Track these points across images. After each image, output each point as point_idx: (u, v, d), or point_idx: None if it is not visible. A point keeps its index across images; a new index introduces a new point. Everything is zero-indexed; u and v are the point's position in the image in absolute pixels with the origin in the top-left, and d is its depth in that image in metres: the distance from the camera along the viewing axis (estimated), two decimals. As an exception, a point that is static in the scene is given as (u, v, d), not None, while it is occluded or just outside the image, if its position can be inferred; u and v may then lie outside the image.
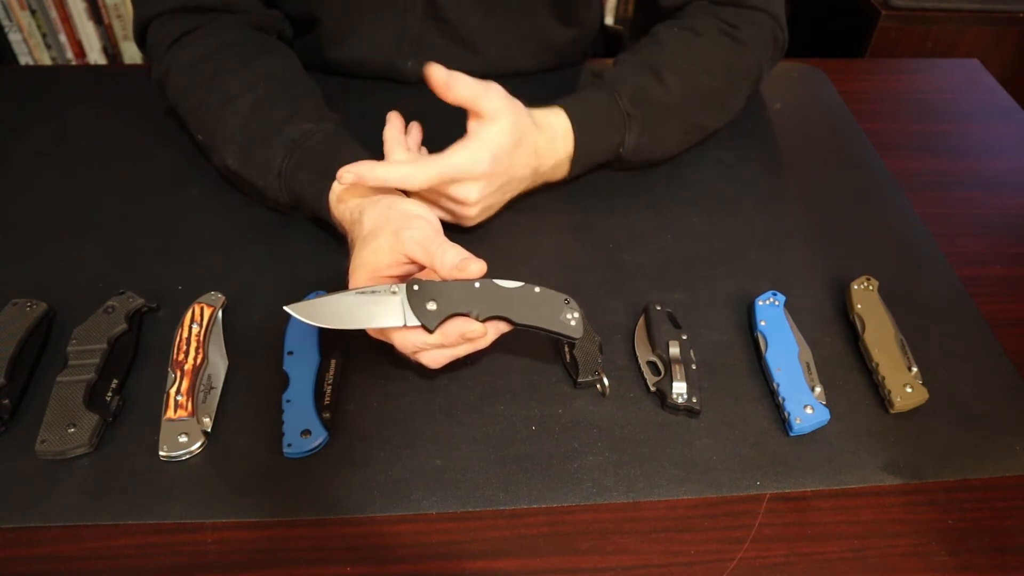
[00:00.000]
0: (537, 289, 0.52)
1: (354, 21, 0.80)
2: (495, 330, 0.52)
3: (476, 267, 0.51)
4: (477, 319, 0.50)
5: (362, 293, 0.50)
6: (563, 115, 0.69)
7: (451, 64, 0.83)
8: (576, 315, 0.52)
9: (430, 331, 0.50)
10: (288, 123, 0.64)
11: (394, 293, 0.50)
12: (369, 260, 0.54)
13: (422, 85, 0.83)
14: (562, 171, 0.71)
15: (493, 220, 0.69)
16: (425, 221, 0.55)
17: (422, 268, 0.54)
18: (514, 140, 0.62)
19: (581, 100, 0.70)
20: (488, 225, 0.69)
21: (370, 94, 0.83)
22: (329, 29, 0.80)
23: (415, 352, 0.52)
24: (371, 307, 0.50)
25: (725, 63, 0.74)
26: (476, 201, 0.63)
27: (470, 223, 0.66)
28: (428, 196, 0.64)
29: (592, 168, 0.73)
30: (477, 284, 0.51)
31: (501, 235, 0.69)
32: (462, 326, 0.50)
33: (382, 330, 0.53)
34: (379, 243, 0.54)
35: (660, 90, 0.71)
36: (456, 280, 0.51)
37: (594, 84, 0.73)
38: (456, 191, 0.62)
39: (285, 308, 0.50)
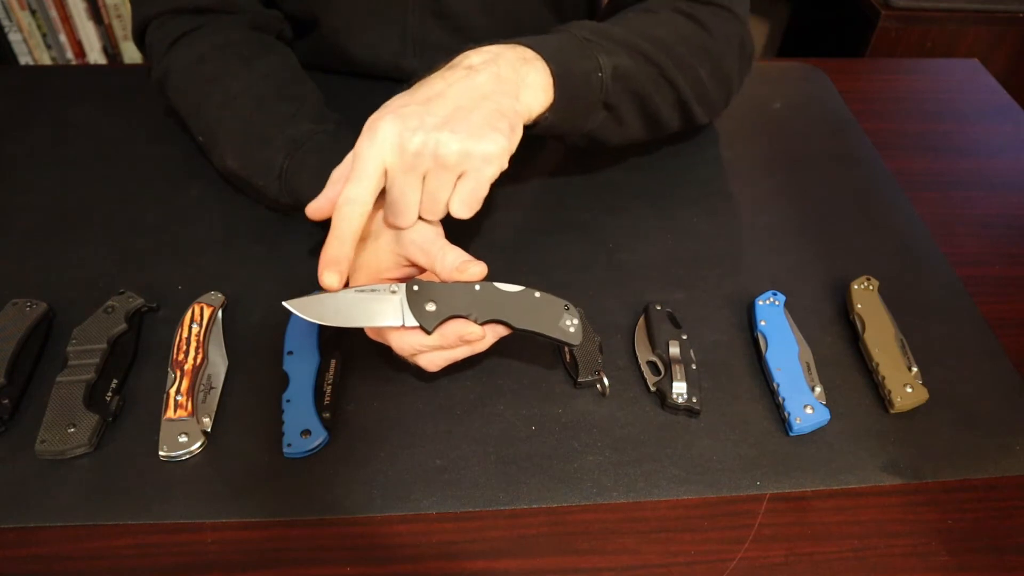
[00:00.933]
0: (537, 294, 0.52)
1: (357, 21, 0.80)
2: (493, 334, 0.52)
3: (476, 269, 0.50)
4: (476, 322, 0.50)
5: (361, 291, 0.50)
6: (509, 43, 0.58)
7: None
8: (575, 321, 0.51)
9: (428, 332, 0.50)
10: (289, 123, 0.64)
11: (393, 292, 0.50)
12: (369, 262, 0.54)
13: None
14: (547, 95, 0.57)
15: (493, 220, 0.69)
16: (424, 223, 0.54)
17: (423, 271, 0.54)
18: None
19: (533, 37, 0.60)
20: (488, 225, 0.69)
21: (374, 94, 0.83)
22: (332, 29, 0.80)
23: (413, 354, 0.52)
24: (370, 306, 0.50)
25: (683, 36, 0.69)
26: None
27: (500, 160, 0.52)
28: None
29: (581, 110, 0.62)
30: (477, 287, 0.51)
31: (501, 235, 0.69)
32: (460, 328, 0.50)
33: (380, 331, 0.53)
34: (379, 245, 0.54)
35: (615, 30, 0.65)
36: (456, 282, 0.51)
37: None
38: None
39: (284, 304, 0.50)
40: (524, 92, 0.56)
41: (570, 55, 0.60)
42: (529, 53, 0.57)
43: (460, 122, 0.51)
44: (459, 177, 0.52)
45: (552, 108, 0.58)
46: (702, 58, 0.70)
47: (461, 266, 0.50)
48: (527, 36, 0.59)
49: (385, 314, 0.50)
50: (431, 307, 0.49)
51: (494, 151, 0.51)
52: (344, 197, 0.50)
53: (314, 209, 0.55)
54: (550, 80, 0.57)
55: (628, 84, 0.64)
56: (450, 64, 0.56)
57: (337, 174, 0.55)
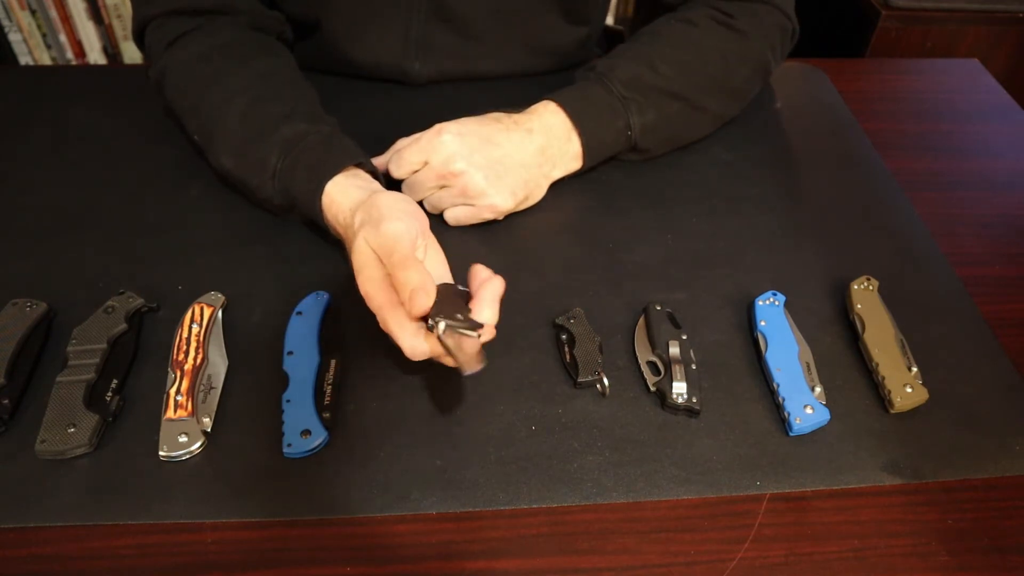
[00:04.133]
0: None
1: (359, 23, 0.79)
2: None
3: (421, 305, 0.49)
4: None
5: None
6: (560, 112, 0.70)
7: (458, 65, 0.84)
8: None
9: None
10: (284, 123, 0.64)
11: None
12: (360, 261, 0.53)
13: (429, 87, 0.84)
14: (577, 164, 0.72)
15: (492, 220, 0.69)
16: (400, 222, 0.53)
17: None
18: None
19: (574, 92, 0.71)
20: (488, 225, 0.69)
21: (376, 96, 0.83)
22: (334, 31, 0.80)
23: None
24: None
25: (720, 50, 0.75)
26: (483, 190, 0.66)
27: (499, 214, 0.68)
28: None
29: (610, 157, 0.75)
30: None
31: (501, 235, 0.69)
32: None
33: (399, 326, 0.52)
34: (360, 240, 0.53)
35: (653, 76, 0.72)
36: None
37: (586, 77, 0.73)
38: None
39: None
40: (559, 166, 0.71)
41: (602, 121, 0.71)
42: (568, 125, 0.70)
43: (494, 172, 0.66)
44: (464, 200, 0.66)
45: (580, 169, 0.73)
46: (743, 71, 0.77)
47: (410, 297, 0.49)
48: (567, 89, 0.72)
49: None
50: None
51: (500, 207, 0.67)
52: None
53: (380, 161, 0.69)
54: (582, 152, 0.71)
55: (657, 133, 0.74)
56: (515, 118, 0.69)
57: (399, 144, 0.69)
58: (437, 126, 0.66)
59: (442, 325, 0.49)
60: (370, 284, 0.53)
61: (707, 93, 0.75)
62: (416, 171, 0.67)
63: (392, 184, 0.68)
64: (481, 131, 0.67)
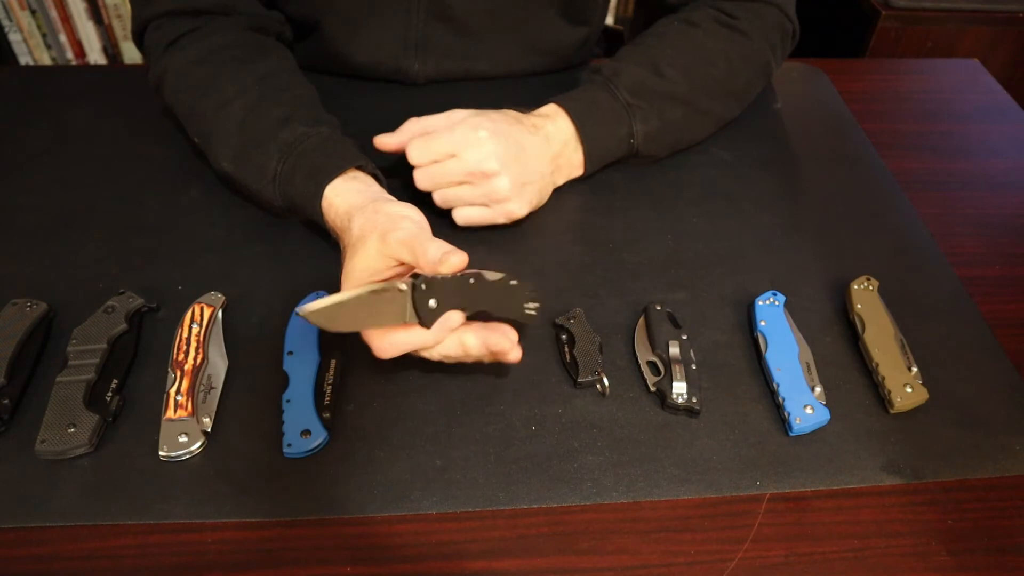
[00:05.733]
0: (513, 281, 0.53)
1: (358, 23, 0.79)
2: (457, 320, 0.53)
3: (456, 259, 0.50)
4: (465, 312, 0.52)
5: (373, 291, 0.50)
6: (566, 119, 0.69)
7: (458, 65, 0.84)
8: (535, 305, 0.54)
9: (427, 327, 0.50)
10: (282, 127, 0.64)
11: (401, 290, 0.50)
12: (359, 266, 0.54)
13: (429, 87, 0.84)
14: (578, 171, 0.72)
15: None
16: (411, 221, 0.54)
17: (411, 269, 0.54)
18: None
19: (580, 98, 0.71)
20: (488, 225, 0.69)
21: (375, 95, 0.83)
22: (334, 31, 0.80)
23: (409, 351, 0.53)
24: (378, 307, 0.50)
25: (723, 52, 0.75)
26: (510, 191, 0.64)
27: (512, 221, 0.67)
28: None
29: (612, 163, 0.74)
30: (471, 280, 0.52)
31: (502, 235, 0.69)
32: (444, 321, 0.51)
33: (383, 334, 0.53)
34: (367, 248, 0.54)
35: (658, 80, 0.72)
36: (454, 276, 0.51)
37: (591, 81, 0.73)
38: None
39: (298, 312, 0.49)
40: (564, 173, 0.72)
41: (606, 130, 0.71)
42: (574, 134, 0.70)
43: (520, 180, 0.65)
44: (484, 202, 0.65)
45: (580, 177, 0.73)
46: (746, 72, 0.77)
47: (442, 257, 0.50)
48: (573, 94, 0.71)
49: (392, 314, 0.50)
50: (433, 303, 0.50)
51: (516, 213, 0.66)
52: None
53: (382, 142, 0.67)
54: (583, 160, 0.71)
55: (659, 140, 0.74)
56: (533, 122, 0.68)
57: (414, 126, 0.66)
58: (469, 119, 0.64)
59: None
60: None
61: (711, 96, 0.75)
62: (437, 161, 0.64)
63: (393, 173, 0.68)
64: (511, 132, 0.65)
